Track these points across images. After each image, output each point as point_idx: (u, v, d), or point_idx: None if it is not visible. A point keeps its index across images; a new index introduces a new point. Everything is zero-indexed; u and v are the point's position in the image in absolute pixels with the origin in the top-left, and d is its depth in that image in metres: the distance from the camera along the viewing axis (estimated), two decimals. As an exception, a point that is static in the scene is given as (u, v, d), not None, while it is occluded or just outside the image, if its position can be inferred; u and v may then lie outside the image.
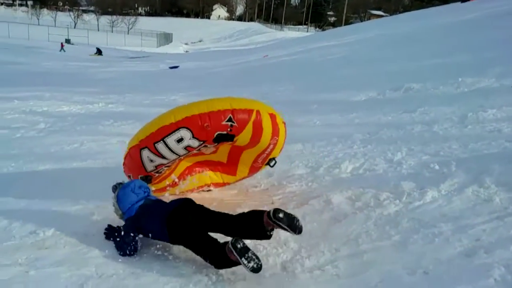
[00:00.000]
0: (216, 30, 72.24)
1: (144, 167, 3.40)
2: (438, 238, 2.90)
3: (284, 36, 48.44)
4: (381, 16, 65.37)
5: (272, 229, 2.83)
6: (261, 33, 61.42)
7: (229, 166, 4.16)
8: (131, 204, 3.11)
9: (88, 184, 4.41)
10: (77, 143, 6.27)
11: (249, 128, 3.35)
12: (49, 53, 27.64)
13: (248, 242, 3.12)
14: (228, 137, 3.31)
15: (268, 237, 2.85)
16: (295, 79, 10.49)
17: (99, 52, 31.81)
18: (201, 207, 3.05)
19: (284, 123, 3.75)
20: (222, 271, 2.80)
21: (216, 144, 3.40)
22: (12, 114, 8.51)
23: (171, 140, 3.18)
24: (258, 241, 3.15)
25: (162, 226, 2.90)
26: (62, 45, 33.84)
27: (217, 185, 4.26)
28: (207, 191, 4.24)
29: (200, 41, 64.51)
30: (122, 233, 3.01)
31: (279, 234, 3.26)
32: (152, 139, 3.22)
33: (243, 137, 3.42)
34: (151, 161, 3.34)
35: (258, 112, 3.34)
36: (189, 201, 3.08)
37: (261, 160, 3.94)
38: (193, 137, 3.18)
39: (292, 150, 5.25)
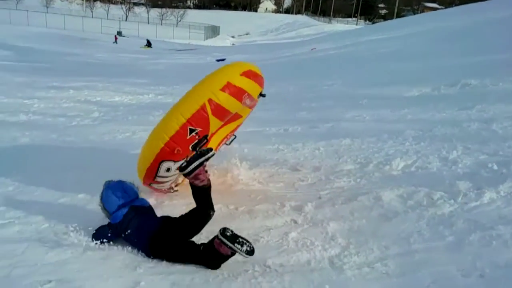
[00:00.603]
0: (263, 23, 72.19)
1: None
2: (496, 241, 2.77)
3: (332, 29, 47.62)
4: (436, 9, 62.76)
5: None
6: (309, 26, 60.73)
7: None
8: (117, 208, 3.09)
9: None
10: (129, 132, 6.48)
11: (214, 120, 3.39)
12: (101, 45, 28.75)
13: (294, 235, 3.14)
14: (202, 140, 3.40)
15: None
16: (344, 73, 10.30)
17: (149, 44, 32.65)
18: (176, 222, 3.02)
19: (248, 71, 3.58)
20: (269, 262, 2.82)
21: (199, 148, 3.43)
22: (68, 103, 8.92)
23: (162, 173, 3.46)
24: (305, 235, 3.15)
25: (144, 247, 2.93)
26: (116, 38, 35.03)
27: None
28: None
29: (246, 34, 64.74)
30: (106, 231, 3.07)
31: (327, 229, 3.23)
32: (150, 177, 3.54)
33: (215, 126, 3.55)
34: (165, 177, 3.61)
35: (210, 100, 3.31)
36: (167, 220, 3.05)
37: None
38: (176, 161, 3.39)
39: (340, 145, 5.17)
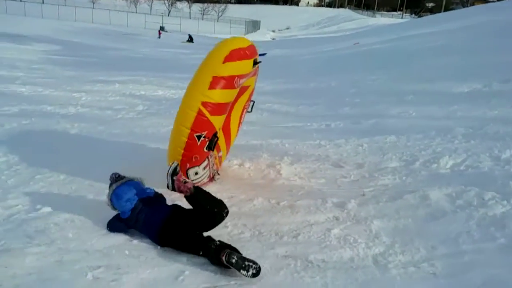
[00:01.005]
0: (304, 17, 71.46)
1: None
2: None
3: (376, 23, 46.42)
4: (487, 1, 59.81)
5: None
6: (351, 20, 59.55)
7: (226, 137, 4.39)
8: (125, 205, 3.12)
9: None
10: (172, 126, 6.59)
11: (216, 118, 3.46)
12: (145, 40, 29.42)
13: (337, 232, 3.09)
14: (213, 139, 3.51)
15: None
16: (389, 68, 10.02)
17: (190, 39, 33.09)
18: (187, 213, 3.04)
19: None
20: (311, 257, 2.80)
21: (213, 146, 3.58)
22: (114, 97, 9.21)
23: (193, 177, 3.66)
24: (348, 232, 3.10)
25: (153, 236, 2.98)
26: (159, 33, 35.74)
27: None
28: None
29: (287, 28, 64.31)
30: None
31: (371, 227, 3.17)
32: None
33: (220, 121, 3.64)
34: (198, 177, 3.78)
35: (203, 103, 3.35)
36: (176, 210, 3.08)
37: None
38: (200, 164, 3.61)
39: (385, 141, 5.05)
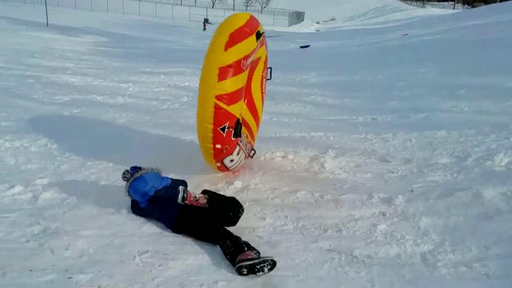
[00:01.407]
0: (350, 8, 69.85)
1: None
2: None
3: (426, 14, 44.65)
4: (546, -10, 55.93)
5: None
6: (399, 11, 57.52)
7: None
8: (142, 196, 3.20)
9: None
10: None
11: (233, 107, 3.45)
12: (189, 32, 29.83)
13: (383, 228, 3.00)
14: (237, 127, 3.56)
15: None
16: (439, 61, 9.60)
17: (234, 31, 33.10)
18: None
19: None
20: (356, 252, 2.74)
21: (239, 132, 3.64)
22: (159, 88, 9.40)
23: (230, 164, 3.78)
24: (395, 228, 3.01)
25: (170, 225, 3.06)
26: (204, 25, 36.09)
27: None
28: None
29: (332, 19, 63.15)
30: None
31: (419, 223, 3.07)
32: (225, 170, 3.88)
33: (240, 108, 3.65)
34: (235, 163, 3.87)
35: (218, 96, 3.34)
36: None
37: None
38: (232, 152, 3.69)
39: (434, 137, 4.87)
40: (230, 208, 3.08)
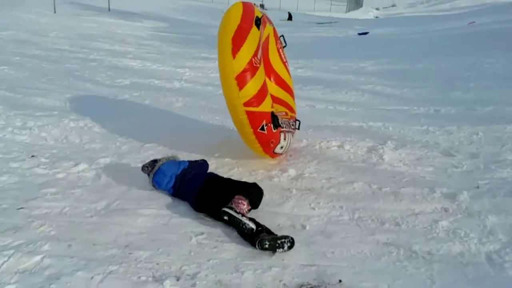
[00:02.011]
0: (411, -5, 66.77)
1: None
2: None
3: (495, 1, 41.82)
4: None
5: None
6: (465, -3, 54.32)
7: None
8: (166, 184, 3.34)
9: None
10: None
11: (264, 104, 3.50)
12: (245, 18, 29.76)
13: (445, 224, 2.86)
14: (274, 120, 3.61)
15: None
16: (509, 50, 8.96)
17: (290, 17, 32.83)
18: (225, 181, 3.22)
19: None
20: (415, 247, 2.63)
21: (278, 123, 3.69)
22: (215, 73, 9.46)
23: (280, 151, 3.88)
24: (458, 225, 2.86)
25: (192, 205, 3.11)
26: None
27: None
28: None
29: (393, 5, 60.62)
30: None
31: (485, 222, 2.90)
32: (277, 156, 4.03)
33: (269, 101, 3.63)
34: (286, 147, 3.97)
35: (246, 103, 3.38)
36: (213, 179, 3.22)
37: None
38: (279, 141, 3.75)
39: (504, 131, 4.57)
40: (255, 193, 3.08)
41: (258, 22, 3.57)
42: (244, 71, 3.32)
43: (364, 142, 4.45)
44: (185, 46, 12.87)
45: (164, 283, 2.29)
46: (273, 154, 3.91)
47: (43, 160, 4.02)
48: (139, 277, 2.36)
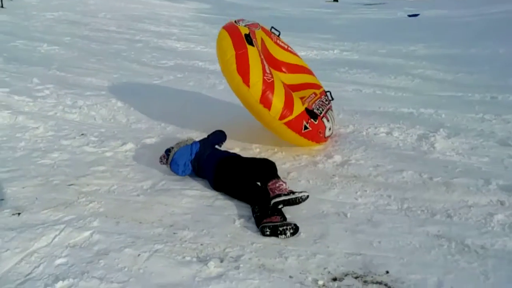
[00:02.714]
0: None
1: None
2: None
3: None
4: None
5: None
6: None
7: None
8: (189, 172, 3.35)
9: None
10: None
11: (296, 108, 3.55)
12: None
13: (501, 218, 2.70)
14: (310, 113, 3.70)
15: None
16: None
17: (335, -2, 31.96)
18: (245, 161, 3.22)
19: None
20: (468, 241, 2.49)
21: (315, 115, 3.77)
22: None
23: (329, 133, 4.00)
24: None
25: (211, 184, 3.15)
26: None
27: None
28: None
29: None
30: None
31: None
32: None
33: (299, 105, 3.66)
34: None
35: (281, 117, 3.51)
36: (233, 158, 3.26)
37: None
38: (325, 128, 3.88)
39: None
40: (272, 167, 3.07)
41: (249, 39, 3.54)
42: (263, 92, 3.37)
43: (414, 129, 4.27)
44: (228, 28, 12.82)
45: (208, 264, 2.30)
46: (326, 138, 3.99)
47: (92, 138, 4.14)
48: (184, 257, 2.38)
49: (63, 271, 2.27)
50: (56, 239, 2.54)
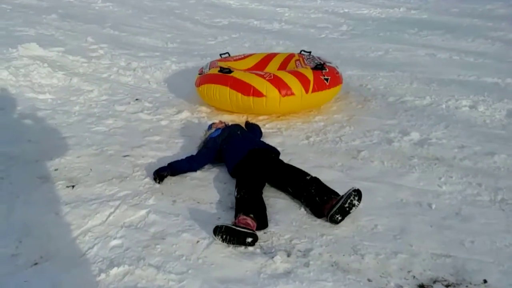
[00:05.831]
0: None
1: None
2: None
3: None
4: None
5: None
6: None
7: None
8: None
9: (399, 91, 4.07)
10: (381, 51, 5.95)
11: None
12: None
13: None
14: (318, 67, 3.80)
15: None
16: None
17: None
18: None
19: None
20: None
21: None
22: (316, 14, 8.83)
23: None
24: None
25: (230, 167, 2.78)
26: None
27: None
28: None
29: None
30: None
31: None
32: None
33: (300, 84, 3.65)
34: None
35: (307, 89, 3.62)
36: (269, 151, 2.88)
37: None
38: (337, 70, 3.97)
39: None
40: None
41: (225, 70, 3.75)
42: (277, 87, 3.52)
43: (502, 103, 3.73)
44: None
45: (274, 258, 2.04)
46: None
47: (146, 104, 3.95)
48: (246, 247, 2.14)
49: (118, 255, 2.10)
50: (111, 217, 2.38)
